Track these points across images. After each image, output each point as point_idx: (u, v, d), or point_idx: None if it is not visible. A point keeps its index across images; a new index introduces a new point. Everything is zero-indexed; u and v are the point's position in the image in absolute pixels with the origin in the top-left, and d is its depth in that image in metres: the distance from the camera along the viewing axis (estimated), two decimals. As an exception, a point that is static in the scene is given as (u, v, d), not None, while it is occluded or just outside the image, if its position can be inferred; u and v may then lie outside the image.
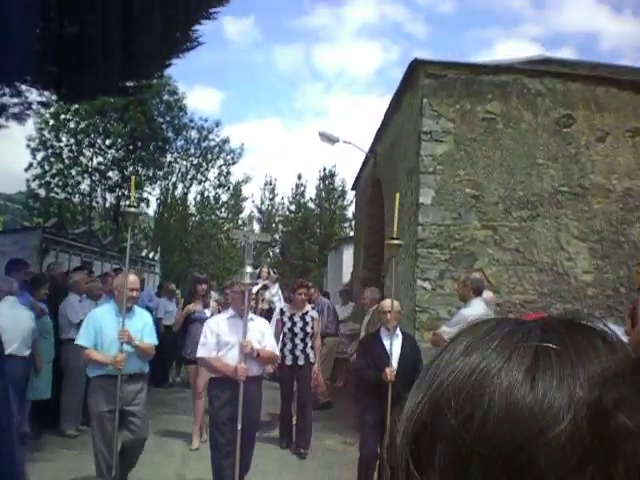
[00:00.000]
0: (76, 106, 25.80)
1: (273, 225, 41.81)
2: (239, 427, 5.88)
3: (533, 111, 9.02)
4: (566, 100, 9.06)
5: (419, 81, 9.13)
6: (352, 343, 12.78)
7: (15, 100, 14.76)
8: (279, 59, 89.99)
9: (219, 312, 9.90)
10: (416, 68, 9.26)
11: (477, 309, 7.08)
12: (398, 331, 6.59)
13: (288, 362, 8.60)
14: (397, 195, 6.64)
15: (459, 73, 9.07)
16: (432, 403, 0.62)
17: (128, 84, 17.23)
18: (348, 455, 8.51)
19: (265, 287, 11.38)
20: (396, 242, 6.51)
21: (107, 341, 6.04)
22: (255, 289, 10.09)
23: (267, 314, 10.24)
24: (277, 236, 40.72)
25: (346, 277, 18.53)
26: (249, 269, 6.16)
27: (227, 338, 6.23)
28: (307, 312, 8.85)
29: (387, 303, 6.75)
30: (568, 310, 8.67)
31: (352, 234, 24.74)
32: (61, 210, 26.10)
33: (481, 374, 0.60)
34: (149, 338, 6.34)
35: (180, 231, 31.56)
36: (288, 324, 8.80)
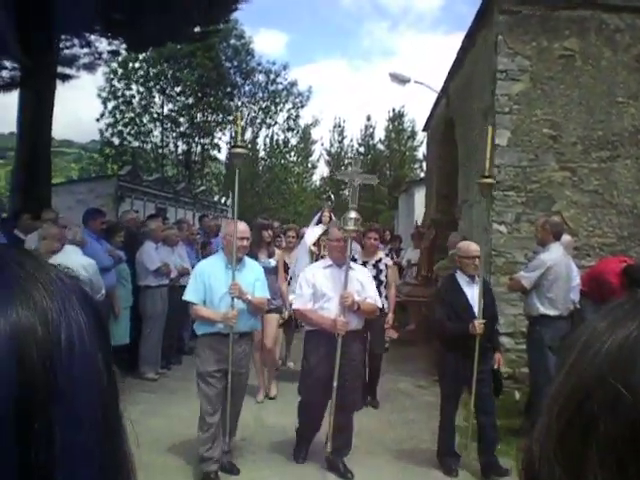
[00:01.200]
0: (145, 54, 26.00)
1: (342, 167, 41.72)
2: (335, 384, 5.53)
3: (612, 48, 8.62)
4: (647, 35, 8.63)
5: (493, 18, 8.82)
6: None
7: (85, 50, 14.98)
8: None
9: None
10: (490, 4, 8.94)
11: (555, 253, 6.93)
12: (477, 278, 6.10)
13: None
14: (490, 129, 6.12)
15: (534, 9, 8.70)
16: (588, 378, 0.62)
17: (195, 30, 17.27)
18: (421, 398, 8.57)
19: (327, 232, 10.67)
20: (488, 180, 6.02)
21: (217, 296, 5.61)
22: (316, 234, 9.71)
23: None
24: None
25: (418, 219, 18.37)
26: (353, 214, 5.67)
27: (324, 289, 5.81)
28: (380, 259, 8.25)
29: (474, 247, 6.24)
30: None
31: (423, 176, 24.46)
32: (134, 158, 26.56)
33: (636, 349, 0.60)
34: (261, 292, 5.85)
35: (251, 175, 31.81)
36: None
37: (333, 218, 10.36)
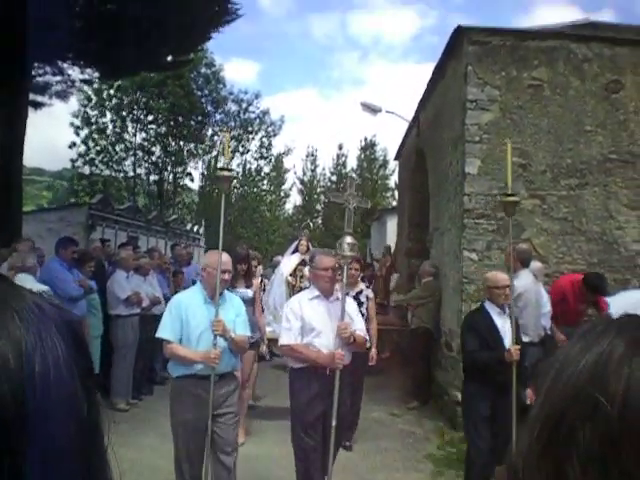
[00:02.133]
0: (119, 82, 26.01)
1: (315, 196, 41.84)
2: (334, 424, 5.06)
3: (580, 77, 8.78)
4: (614, 65, 8.80)
5: (463, 48, 8.95)
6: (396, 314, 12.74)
7: (57, 78, 14.95)
8: (314, 28, 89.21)
9: (263, 290, 9.34)
10: (460, 35, 9.07)
11: (525, 280, 7.01)
12: (507, 308, 5.82)
13: None
14: (509, 145, 5.69)
15: (504, 39, 8.85)
16: (566, 396, 0.66)
17: (168, 59, 17.33)
18: (395, 427, 8.55)
19: (304, 262, 9.70)
20: (512, 199, 5.48)
21: (194, 333, 5.06)
22: (292, 264, 9.44)
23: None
24: (319, 207, 40.75)
25: (391, 248, 18.42)
26: (349, 239, 5.19)
27: (313, 323, 5.32)
28: (361, 291, 7.73)
29: (502, 277, 5.99)
30: (618, 280, 8.52)
31: (395, 204, 24.60)
32: (106, 186, 26.42)
33: (612, 362, 0.64)
34: (243, 329, 5.35)
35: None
36: None
37: (310, 247, 9.98)
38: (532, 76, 8.78)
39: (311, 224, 35.90)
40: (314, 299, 5.45)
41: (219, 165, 5.09)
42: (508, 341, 5.54)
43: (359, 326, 5.54)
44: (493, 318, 5.80)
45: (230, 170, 5.18)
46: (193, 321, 5.08)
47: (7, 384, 0.56)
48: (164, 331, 5.10)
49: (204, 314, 5.09)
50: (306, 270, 9.25)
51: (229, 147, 5.16)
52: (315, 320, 5.32)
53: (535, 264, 7.62)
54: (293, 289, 8.94)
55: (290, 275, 9.35)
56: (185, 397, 5.04)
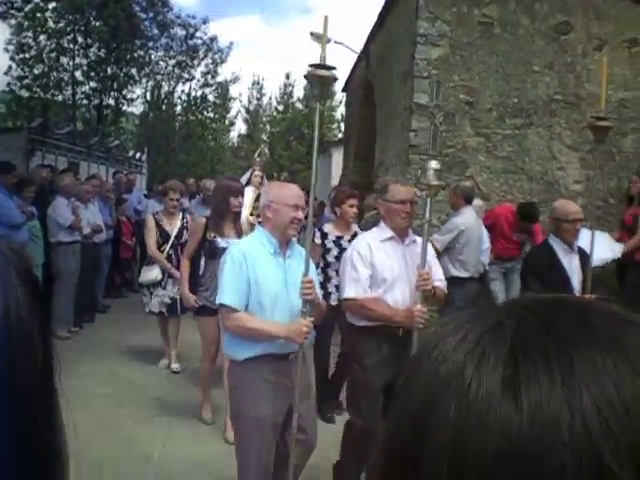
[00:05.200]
0: (53, 4, 24.96)
1: (261, 125, 41.39)
2: None
3: (531, 16, 8.78)
4: (564, 7, 8.81)
5: (415, -19, 8.84)
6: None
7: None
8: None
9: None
10: (412, -33, 8.95)
11: (467, 217, 7.14)
12: (575, 246, 5.12)
13: (333, 302, 5.85)
14: (604, 60, 5.07)
15: (456, -26, 8.78)
16: (404, 425, 0.51)
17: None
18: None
19: (259, 197, 7.43)
20: (605, 124, 4.74)
21: (267, 298, 3.74)
22: (249, 201, 7.79)
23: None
24: (264, 136, 40.39)
25: (335, 181, 18.46)
26: (434, 164, 4.07)
27: (386, 272, 4.24)
28: (356, 233, 6.23)
29: (574, 208, 5.20)
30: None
31: (341, 136, 24.50)
32: (45, 111, 25.58)
33: (449, 387, 0.49)
34: (317, 289, 4.03)
35: (166, 131, 31.18)
36: (334, 251, 6.25)
37: (265, 181, 8.60)
38: (483, 13, 8.74)
39: (267, 151, 35.23)
40: (386, 241, 4.33)
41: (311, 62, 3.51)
42: (576, 282, 4.99)
43: (438, 276, 4.45)
44: (559, 256, 5.15)
45: (329, 68, 3.69)
46: (264, 281, 3.75)
47: None
48: (227, 295, 3.73)
49: (276, 270, 3.82)
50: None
51: (326, 36, 3.70)
52: (388, 268, 4.25)
53: (477, 201, 7.75)
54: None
55: (251, 215, 7.83)
56: (259, 386, 3.74)
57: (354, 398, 4.35)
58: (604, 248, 6.83)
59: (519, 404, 0.45)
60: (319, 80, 3.67)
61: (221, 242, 5.76)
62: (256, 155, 9.89)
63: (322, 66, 3.66)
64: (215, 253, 5.69)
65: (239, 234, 5.96)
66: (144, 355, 8.02)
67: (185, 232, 7.53)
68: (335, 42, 15.29)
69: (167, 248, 7.56)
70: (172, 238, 7.58)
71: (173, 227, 7.63)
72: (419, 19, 8.66)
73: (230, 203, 5.90)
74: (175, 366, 7.59)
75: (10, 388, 0.58)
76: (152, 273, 7.49)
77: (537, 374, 0.45)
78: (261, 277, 3.72)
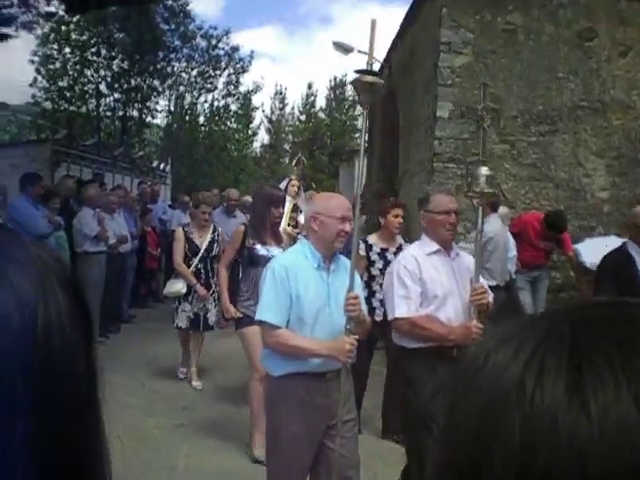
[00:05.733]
0: (77, 17, 25.22)
1: (283, 135, 41.51)
2: None
3: (554, 23, 8.73)
4: (588, 13, 8.76)
5: (438, -10, 8.83)
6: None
7: (23, 10, 14.54)
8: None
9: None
10: (434, -24, 8.94)
11: (494, 225, 7.08)
12: None
13: (378, 317, 5.56)
14: None
15: (479, -19, 8.75)
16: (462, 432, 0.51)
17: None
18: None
19: (296, 208, 7.79)
20: None
21: (309, 314, 3.56)
22: (286, 213, 7.25)
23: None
24: (287, 146, 40.49)
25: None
26: (485, 170, 3.84)
27: (437, 287, 3.98)
28: (401, 246, 5.91)
29: None
30: (583, 226, 8.64)
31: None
32: (70, 122, 25.83)
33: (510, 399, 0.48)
34: (363, 305, 3.78)
35: (190, 142, 31.32)
36: (379, 263, 5.90)
37: (302, 192, 8.32)
38: (507, 20, 8.71)
39: (304, 160, 35.11)
40: (433, 255, 4.09)
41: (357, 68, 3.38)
42: None
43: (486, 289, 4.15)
44: (636, 262, 4.96)
45: (376, 74, 3.62)
46: (307, 296, 3.56)
47: (10, 338, 0.54)
48: (267, 312, 3.56)
49: (319, 285, 3.62)
50: (301, 218, 7.37)
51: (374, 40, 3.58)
52: (439, 283, 4.00)
53: (503, 209, 7.70)
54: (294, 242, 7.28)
55: (288, 225, 7.45)
56: (295, 404, 3.57)
57: (414, 433, 3.96)
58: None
59: (587, 410, 0.44)
60: (366, 86, 3.53)
61: (261, 249, 5.59)
62: (294, 164, 9.36)
63: (369, 72, 3.57)
64: (255, 261, 5.52)
65: (279, 242, 5.76)
66: (170, 365, 8.02)
67: (216, 245, 7.46)
68: (359, 51, 15.32)
69: (196, 261, 7.39)
70: (202, 251, 7.42)
71: (203, 240, 7.46)
72: (442, 27, 8.65)
73: (271, 214, 5.67)
74: (196, 384, 7.43)
75: (50, 400, 0.56)
76: (177, 286, 7.42)
77: (602, 378, 0.45)
78: (303, 292, 3.54)
